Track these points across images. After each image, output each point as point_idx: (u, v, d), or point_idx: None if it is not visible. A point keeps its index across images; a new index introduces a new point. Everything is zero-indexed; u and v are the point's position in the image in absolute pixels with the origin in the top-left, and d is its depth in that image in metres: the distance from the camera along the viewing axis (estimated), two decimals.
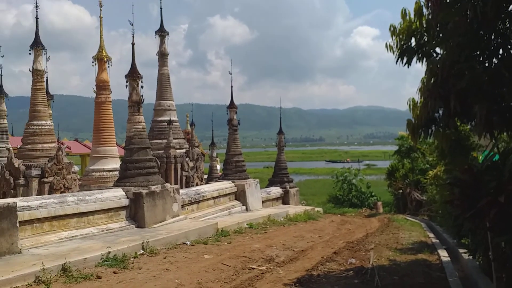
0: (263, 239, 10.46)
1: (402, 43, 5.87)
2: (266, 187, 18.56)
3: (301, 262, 8.32)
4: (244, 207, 14.79)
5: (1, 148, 19.04)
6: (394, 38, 5.96)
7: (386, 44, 6.06)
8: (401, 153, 24.43)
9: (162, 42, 18.17)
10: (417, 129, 5.85)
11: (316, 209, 18.16)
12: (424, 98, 5.59)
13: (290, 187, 18.87)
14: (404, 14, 5.80)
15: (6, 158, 15.83)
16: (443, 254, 8.96)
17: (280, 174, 19.39)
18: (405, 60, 5.94)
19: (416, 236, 12.19)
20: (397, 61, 5.98)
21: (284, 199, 18.44)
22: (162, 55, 18.30)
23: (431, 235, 12.64)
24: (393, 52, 6.01)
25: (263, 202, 16.27)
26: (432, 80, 5.47)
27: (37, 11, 15.05)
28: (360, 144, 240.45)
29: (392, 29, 5.95)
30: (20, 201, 8.09)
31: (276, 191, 18.15)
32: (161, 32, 18.10)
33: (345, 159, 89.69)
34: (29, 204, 8.19)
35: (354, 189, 27.06)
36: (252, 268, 7.62)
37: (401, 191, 22.87)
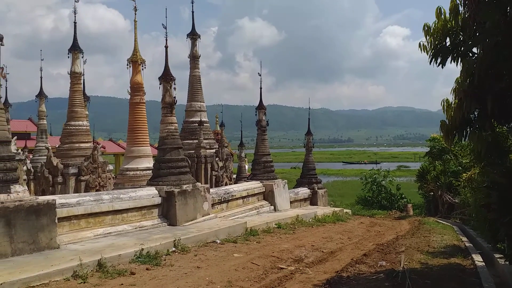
0: (291, 239, 10.48)
1: (436, 42, 5.78)
2: (294, 188, 18.55)
3: (330, 263, 8.30)
4: (272, 207, 14.84)
5: (41, 147, 19.88)
6: (428, 37, 5.87)
7: (419, 44, 5.98)
8: (432, 154, 23.81)
9: (193, 45, 18.50)
10: (451, 131, 5.74)
11: (345, 210, 17.99)
12: (458, 99, 5.49)
13: (318, 188, 18.78)
14: (439, 13, 5.70)
15: (45, 157, 16.54)
16: (478, 259, 8.71)
17: (308, 175, 19.33)
18: (439, 60, 5.84)
19: (449, 239, 11.88)
20: (431, 61, 5.88)
21: (312, 200, 18.37)
22: (194, 58, 18.62)
23: (464, 238, 12.28)
24: (427, 52, 5.92)
25: (291, 202, 16.27)
26: (468, 81, 5.36)
27: (75, 16, 15.65)
28: (390, 145, 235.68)
29: (426, 28, 5.86)
30: (58, 198, 8.43)
31: (304, 191, 18.10)
32: (193, 35, 18.43)
33: (362, 161, 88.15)
34: (67, 201, 8.52)
35: (384, 191, 26.59)
36: (281, 268, 7.66)
37: (432, 193, 22.30)
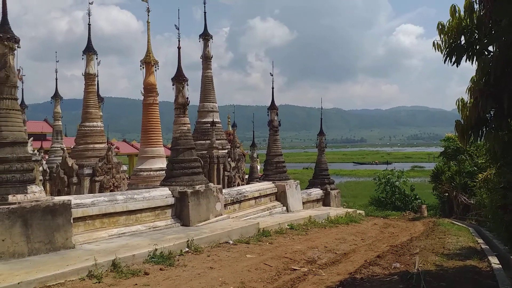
0: (304, 240, 10.45)
1: (451, 41, 5.70)
2: (306, 188, 18.48)
3: (344, 265, 8.25)
4: (284, 208, 14.81)
5: (56, 148, 20.20)
6: (442, 36, 5.79)
7: (433, 43, 5.90)
8: (447, 155, 23.50)
9: (206, 46, 18.57)
10: (467, 131, 5.64)
11: (358, 211, 17.86)
12: (474, 98, 5.40)
13: (331, 189, 18.67)
14: (453, 11, 5.62)
15: (60, 158, 16.79)
16: (494, 261, 8.56)
17: (321, 175, 19.23)
18: (454, 59, 5.75)
19: (464, 241, 11.70)
20: (445, 60, 5.80)
21: (325, 200, 18.27)
22: (206, 58, 18.70)
23: (480, 240, 12.07)
24: (441, 51, 5.84)
25: (303, 203, 16.22)
26: (484, 79, 5.28)
27: (89, 18, 15.88)
28: (403, 145, 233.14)
29: (440, 27, 5.79)
30: (74, 199, 8.55)
31: (316, 192, 18.02)
32: (205, 36, 18.51)
33: (373, 161, 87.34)
34: (82, 202, 8.64)
35: (398, 192, 26.33)
36: (294, 269, 7.64)
37: (447, 194, 22.00)
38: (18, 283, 5.83)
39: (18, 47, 8.01)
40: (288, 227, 11.89)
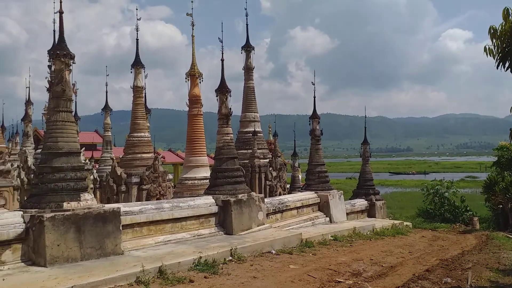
0: (348, 252, 10.23)
1: (504, 45, 5.46)
2: (350, 199, 18.11)
3: (391, 278, 7.99)
4: (327, 219, 14.60)
5: (106, 158, 21.14)
6: (494, 40, 5.56)
7: (484, 48, 5.68)
8: (501, 164, 22.22)
9: (248, 57, 18.86)
10: None
11: (405, 223, 17.25)
12: None
13: (376, 200, 18.19)
14: (506, 14, 5.39)
15: (110, 167, 17.57)
16: None
17: (365, 186, 18.80)
18: (507, 64, 5.51)
19: None
20: (498, 65, 5.56)
21: (370, 212, 17.82)
22: (248, 69, 18.97)
23: None
24: (493, 56, 5.61)
25: (347, 214, 15.90)
26: None
27: (137, 33, 16.61)
28: (452, 154, 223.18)
29: (492, 31, 5.56)
30: (123, 207, 8.85)
31: (361, 203, 17.63)
32: (247, 47, 18.81)
33: (411, 171, 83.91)
34: (130, 209, 8.94)
35: (447, 203, 25.13)
36: (339, 282, 7.49)
37: (501, 206, 20.74)
38: (72, 287, 6.12)
39: (73, 63, 8.49)
40: (332, 238, 11.69)
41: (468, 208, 24.79)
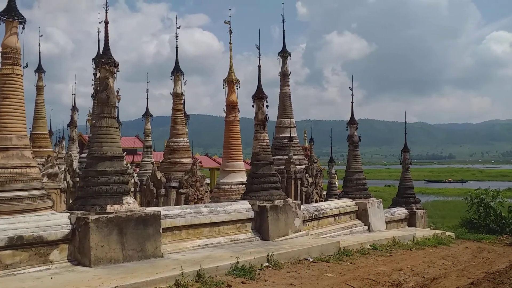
0: (388, 262, 9.96)
1: None
2: (389, 207, 17.64)
3: None
4: (366, 227, 14.28)
5: (146, 162, 21.75)
6: None
7: None
8: None
9: (284, 63, 18.91)
10: None
11: (447, 233, 16.60)
12: None
13: (417, 208, 17.61)
14: None
15: (150, 171, 18.06)
16: None
17: (405, 194, 18.25)
18: None
19: None
20: None
21: (410, 221, 17.27)
22: (284, 75, 19.01)
23: None
24: None
25: (386, 223, 15.48)
26: None
27: (177, 41, 17.05)
28: (498, 162, 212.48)
29: None
30: (163, 210, 9.07)
31: (400, 212, 17.13)
32: (284, 53, 18.87)
33: (447, 179, 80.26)
34: (170, 213, 9.14)
35: (493, 213, 23.88)
36: None
37: None
38: (115, 287, 6.33)
39: (117, 70, 8.84)
40: (371, 247, 11.44)
41: None
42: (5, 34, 10.10)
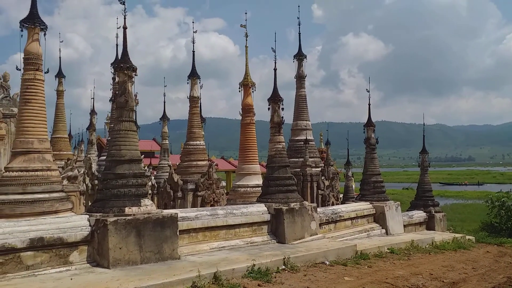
0: (406, 266, 9.82)
1: None
2: (407, 210, 17.42)
3: None
4: (383, 231, 14.12)
5: (163, 165, 21.99)
6: None
7: None
8: None
9: (300, 65, 18.91)
10: None
11: (467, 237, 16.27)
12: None
13: (436, 212, 17.35)
14: None
15: (167, 174, 18.25)
16: None
17: (424, 197, 18.00)
18: None
19: None
20: None
21: (429, 224, 17.02)
22: (300, 78, 19.01)
23: None
24: None
25: (404, 226, 15.28)
26: None
27: (193, 46, 17.24)
28: None
29: None
30: (180, 212, 9.13)
31: (419, 215, 16.89)
32: (299, 56, 18.88)
33: (463, 182, 78.47)
34: (187, 215, 9.21)
35: None
36: None
37: None
38: None
39: (135, 75, 8.97)
40: (388, 251, 11.30)
41: None
42: (27, 40, 10.37)
